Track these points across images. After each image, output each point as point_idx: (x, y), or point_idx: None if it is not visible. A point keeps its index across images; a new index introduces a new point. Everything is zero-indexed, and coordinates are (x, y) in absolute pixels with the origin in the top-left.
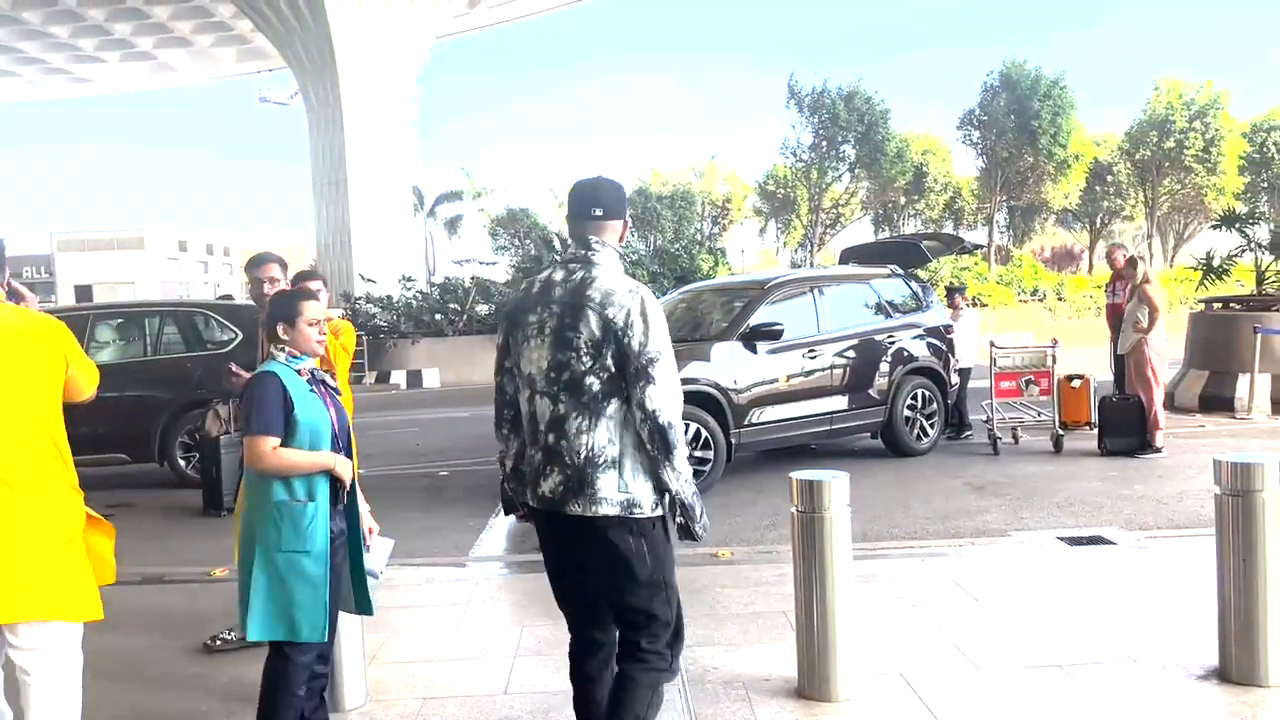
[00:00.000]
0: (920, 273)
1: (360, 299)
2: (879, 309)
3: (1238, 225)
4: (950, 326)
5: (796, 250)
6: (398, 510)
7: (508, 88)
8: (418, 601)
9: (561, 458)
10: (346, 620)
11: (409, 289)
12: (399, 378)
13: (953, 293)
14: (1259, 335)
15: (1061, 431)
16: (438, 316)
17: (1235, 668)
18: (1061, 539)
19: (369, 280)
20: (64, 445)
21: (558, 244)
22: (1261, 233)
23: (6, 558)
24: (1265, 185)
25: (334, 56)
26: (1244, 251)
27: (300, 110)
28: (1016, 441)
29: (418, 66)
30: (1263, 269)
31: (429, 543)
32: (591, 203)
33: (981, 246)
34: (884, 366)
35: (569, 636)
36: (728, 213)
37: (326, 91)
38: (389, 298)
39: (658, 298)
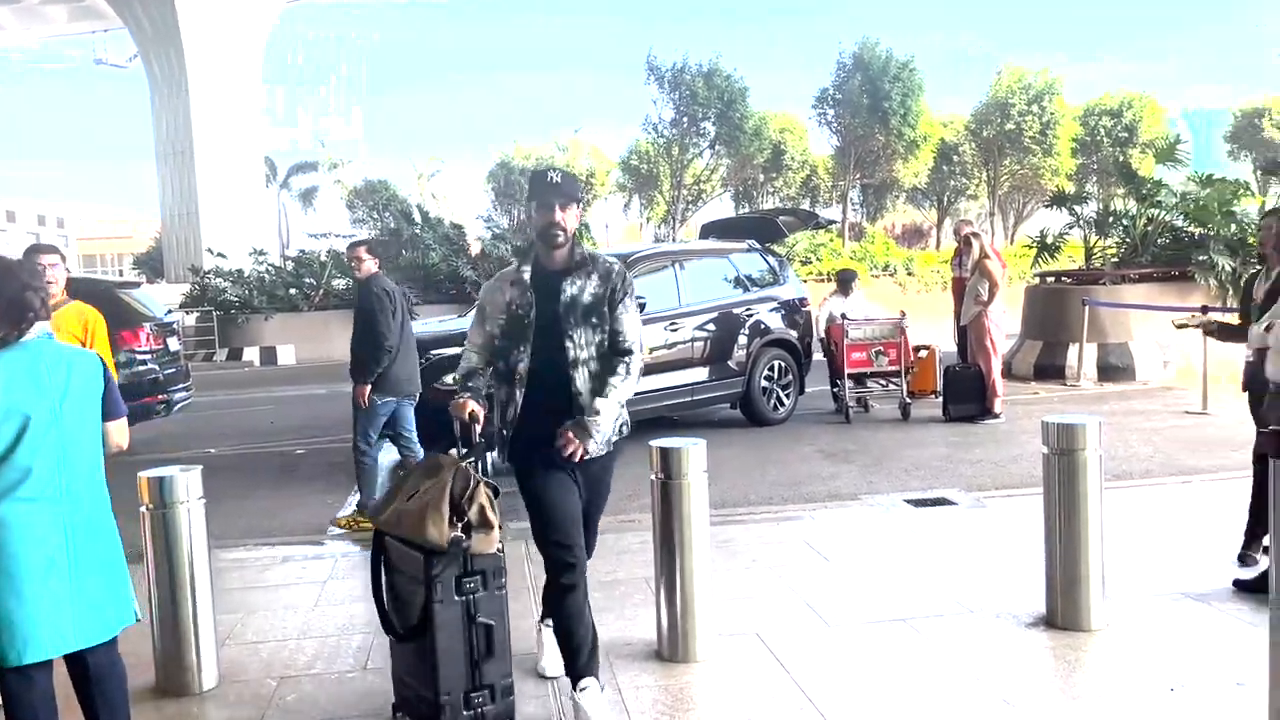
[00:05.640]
0: (777, 248)
1: (209, 273)
2: (737, 283)
3: (1067, 205)
4: (805, 300)
5: (660, 225)
6: (251, 490)
7: (365, 56)
8: (274, 581)
9: None
10: (200, 601)
11: (261, 263)
12: (252, 355)
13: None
14: (1086, 307)
15: (909, 400)
16: (292, 291)
17: (1061, 615)
18: (907, 501)
19: (218, 254)
20: None
21: (417, 216)
22: (1090, 211)
23: None
24: (1095, 167)
25: (177, 19)
26: (1072, 229)
27: (140, 74)
28: (867, 410)
29: (267, 31)
30: (1090, 245)
31: (284, 521)
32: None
33: (835, 222)
34: (742, 339)
35: None
36: (591, 187)
37: (169, 56)
38: (240, 272)
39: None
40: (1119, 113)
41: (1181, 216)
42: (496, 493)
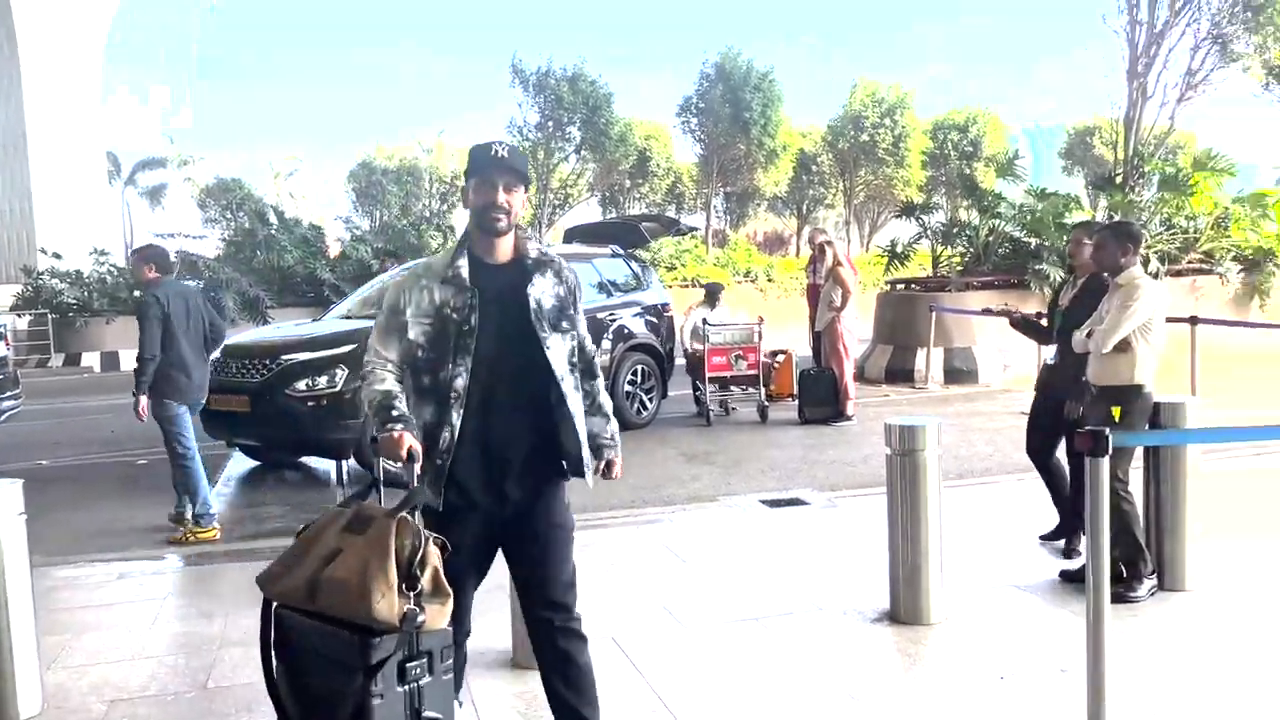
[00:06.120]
0: (641, 253)
1: (44, 274)
2: (601, 288)
3: (915, 215)
4: (668, 305)
5: (528, 229)
6: (87, 502)
7: (224, 50)
8: (108, 600)
9: None
10: (18, 622)
11: (103, 263)
12: (91, 360)
13: None
14: (934, 313)
15: (767, 403)
16: (136, 294)
17: (903, 609)
18: (763, 502)
19: (54, 254)
20: None
21: (273, 217)
22: (938, 221)
23: None
24: (943, 179)
25: (9, 2)
26: (921, 238)
27: None
28: (728, 413)
29: (110, 16)
30: (937, 254)
31: (123, 537)
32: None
33: (697, 229)
34: (606, 343)
35: None
36: (457, 190)
37: (0, 42)
38: (78, 273)
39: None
40: (965, 128)
41: (1019, 227)
42: (446, 548)
